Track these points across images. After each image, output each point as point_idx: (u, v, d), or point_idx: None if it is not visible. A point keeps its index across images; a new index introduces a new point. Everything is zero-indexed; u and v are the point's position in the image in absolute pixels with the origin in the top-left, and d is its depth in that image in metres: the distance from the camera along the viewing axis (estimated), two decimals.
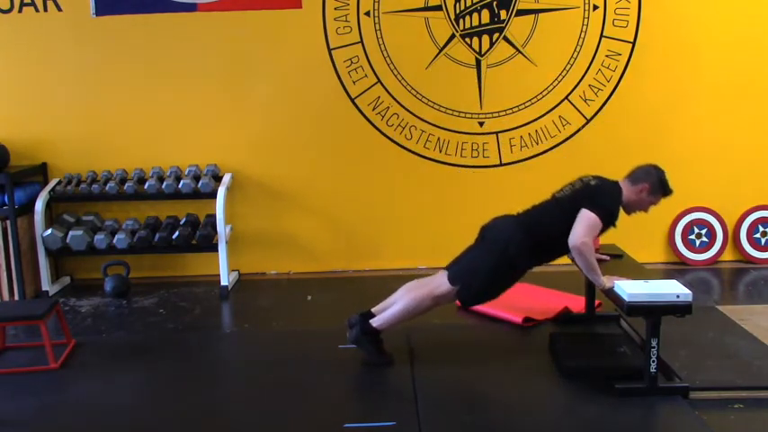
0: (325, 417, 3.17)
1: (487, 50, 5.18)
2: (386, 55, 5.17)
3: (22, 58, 5.13)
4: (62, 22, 5.08)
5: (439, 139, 5.29)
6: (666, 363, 3.42)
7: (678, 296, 3.17)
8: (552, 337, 3.84)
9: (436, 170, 5.32)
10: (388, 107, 5.24)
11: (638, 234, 5.21)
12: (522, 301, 4.49)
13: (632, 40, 5.15)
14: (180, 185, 5.03)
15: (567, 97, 5.23)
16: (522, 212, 3.72)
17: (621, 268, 3.73)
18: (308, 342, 4.02)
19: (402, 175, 5.33)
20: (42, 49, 5.12)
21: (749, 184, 5.32)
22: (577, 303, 4.31)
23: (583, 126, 5.27)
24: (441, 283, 3.61)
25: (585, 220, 3.45)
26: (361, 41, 5.15)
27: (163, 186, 5.06)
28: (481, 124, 5.29)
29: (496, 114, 5.27)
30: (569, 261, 3.99)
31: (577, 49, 5.17)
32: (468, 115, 5.27)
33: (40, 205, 4.96)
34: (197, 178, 5.10)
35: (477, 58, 5.19)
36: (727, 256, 5.42)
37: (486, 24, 5.15)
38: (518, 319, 4.16)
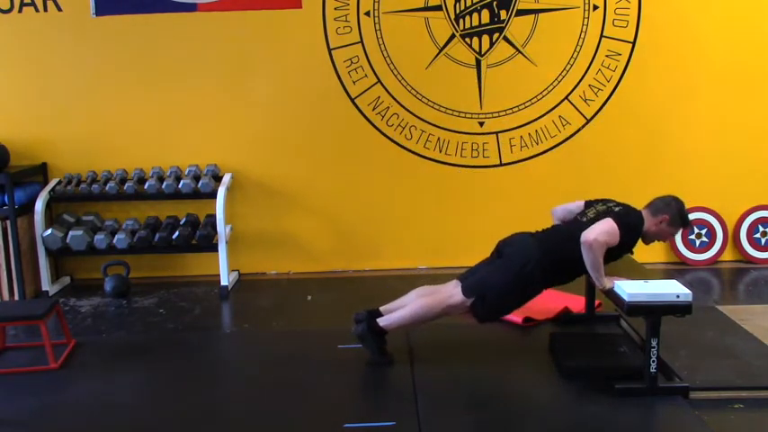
0: (325, 417, 3.17)
1: (487, 50, 5.18)
2: (386, 55, 5.17)
3: (22, 58, 5.13)
4: (62, 22, 5.08)
5: (439, 139, 5.29)
6: (666, 363, 3.43)
7: (678, 296, 3.17)
8: (552, 337, 3.84)
9: (436, 170, 5.32)
10: (388, 107, 5.24)
11: None
12: None
13: (632, 40, 5.15)
14: (180, 185, 5.03)
15: (567, 97, 5.23)
16: (542, 231, 3.73)
17: (621, 268, 3.72)
18: (308, 342, 4.02)
19: (402, 175, 5.33)
20: (42, 49, 5.12)
21: (749, 184, 5.32)
22: (577, 303, 4.31)
23: (583, 126, 5.27)
24: (454, 293, 3.60)
25: (606, 224, 3.47)
26: (361, 41, 5.15)
27: (163, 186, 5.06)
28: (481, 124, 5.29)
29: (496, 114, 5.27)
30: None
31: (577, 49, 5.17)
32: (468, 115, 5.27)
33: (40, 205, 4.96)
34: (197, 178, 5.10)
35: (477, 58, 5.19)
36: (727, 256, 5.42)
37: (486, 24, 5.15)
38: (518, 319, 4.16)
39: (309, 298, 4.87)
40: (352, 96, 5.22)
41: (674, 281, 3.33)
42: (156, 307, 4.75)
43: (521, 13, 5.12)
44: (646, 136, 5.25)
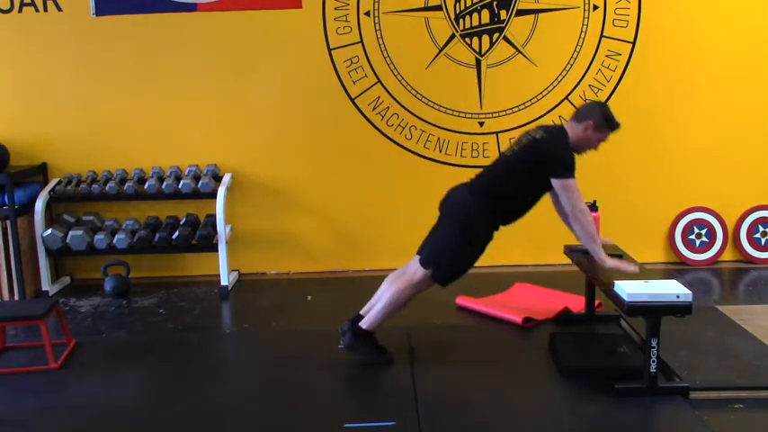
0: (325, 417, 3.17)
1: (487, 50, 5.18)
2: (386, 55, 5.17)
3: (21, 58, 5.13)
4: (62, 22, 5.08)
5: (439, 139, 5.29)
6: (666, 363, 3.43)
7: (678, 296, 3.16)
8: (552, 337, 3.84)
9: (436, 170, 5.32)
10: (388, 107, 5.24)
11: (638, 234, 5.23)
12: (522, 301, 4.50)
13: (632, 40, 5.15)
14: (180, 185, 5.03)
15: (566, 97, 5.23)
16: (475, 178, 3.65)
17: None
18: (308, 342, 4.02)
19: (402, 175, 5.33)
20: (42, 49, 5.12)
21: (749, 184, 5.32)
22: (577, 303, 4.31)
23: None
24: (416, 269, 3.58)
25: (564, 189, 3.43)
26: (361, 41, 5.15)
27: (163, 186, 5.06)
28: (481, 124, 5.29)
29: (496, 114, 5.27)
30: (569, 261, 4.00)
31: (577, 49, 5.17)
32: (468, 115, 5.27)
33: (40, 205, 4.96)
34: (197, 178, 5.10)
35: (477, 58, 5.19)
36: (727, 256, 5.42)
37: (486, 24, 5.15)
38: (518, 319, 4.16)
39: (309, 298, 4.87)
40: (352, 96, 5.22)
41: (674, 281, 3.32)
42: (156, 307, 4.75)
43: (521, 13, 5.12)
44: (646, 136, 5.25)
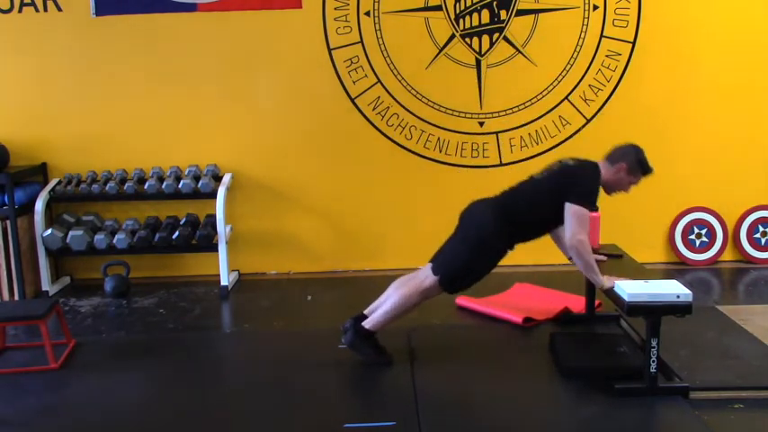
0: (325, 417, 3.17)
1: (487, 50, 5.18)
2: (386, 55, 5.17)
3: (21, 58, 5.13)
4: (62, 22, 5.08)
5: (439, 139, 5.29)
6: (666, 363, 3.42)
7: (678, 296, 3.16)
8: (552, 337, 3.84)
9: (436, 170, 5.32)
10: (388, 107, 5.24)
11: (638, 234, 5.23)
12: (522, 301, 4.50)
13: (632, 40, 5.15)
14: (180, 185, 5.03)
15: (567, 97, 5.23)
16: (500, 194, 3.67)
17: (621, 268, 3.72)
18: (308, 342, 4.02)
19: (402, 175, 5.33)
20: (42, 49, 5.12)
21: (749, 184, 5.32)
22: (577, 303, 4.31)
23: (583, 126, 5.27)
24: (426, 275, 3.60)
25: (573, 215, 3.42)
26: (361, 41, 5.15)
27: (163, 186, 5.06)
28: (481, 124, 5.29)
29: (496, 114, 5.27)
30: (568, 261, 3.99)
31: (577, 49, 5.17)
32: (468, 115, 5.27)
33: (40, 205, 4.96)
34: (197, 178, 5.10)
35: (477, 58, 5.19)
36: (727, 256, 5.42)
37: (486, 24, 5.15)
38: (518, 319, 4.16)
39: (309, 298, 4.87)
40: (352, 96, 5.22)
41: (674, 281, 3.32)
42: (156, 307, 4.75)
43: (521, 13, 5.12)
44: (645, 136, 5.21)
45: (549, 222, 3.62)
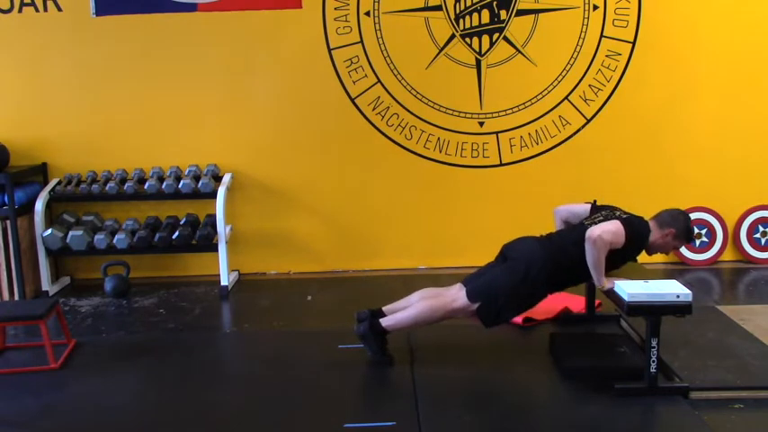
0: (325, 417, 3.17)
1: (487, 50, 5.18)
2: (386, 55, 5.17)
3: (21, 58, 5.13)
4: (62, 22, 5.08)
5: (439, 139, 5.29)
6: (666, 363, 3.43)
7: (678, 296, 3.17)
8: (552, 337, 3.84)
9: (436, 170, 5.32)
10: (388, 107, 5.24)
11: None
12: None
13: (632, 40, 5.15)
14: (180, 185, 5.03)
15: (567, 97, 5.23)
16: (546, 236, 3.71)
17: (622, 269, 3.72)
18: (308, 342, 4.02)
19: (402, 175, 5.33)
20: (42, 49, 5.12)
21: (749, 184, 5.32)
22: (577, 303, 4.31)
23: (583, 126, 5.27)
24: (457, 297, 3.59)
25: (613, 224, 3.47)
26: (361, 41, 5.15)
27: (163, 186, 5.05)
28: (481, 124, 5.29)
29: (496, 114, 5.27)
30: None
31: (577, 49, 5.17)
32: (468, 115, 5.27)
33: (40, 205, 4.96)
34: (197, 178, 5.10)
35: (477, 58, 5.19)
36: (727, 256, 5.42)
37: (486, 24, 5.15)
38: (518, 319, 4.16)
39: (309, 298, 4.87)
40: (352, 96, 5.22)
41: (674, 281, 3.33)
42: (156, 307, 4.75)
43: (521, 13, 5.12)
44: (646, 136, 5.25)
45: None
